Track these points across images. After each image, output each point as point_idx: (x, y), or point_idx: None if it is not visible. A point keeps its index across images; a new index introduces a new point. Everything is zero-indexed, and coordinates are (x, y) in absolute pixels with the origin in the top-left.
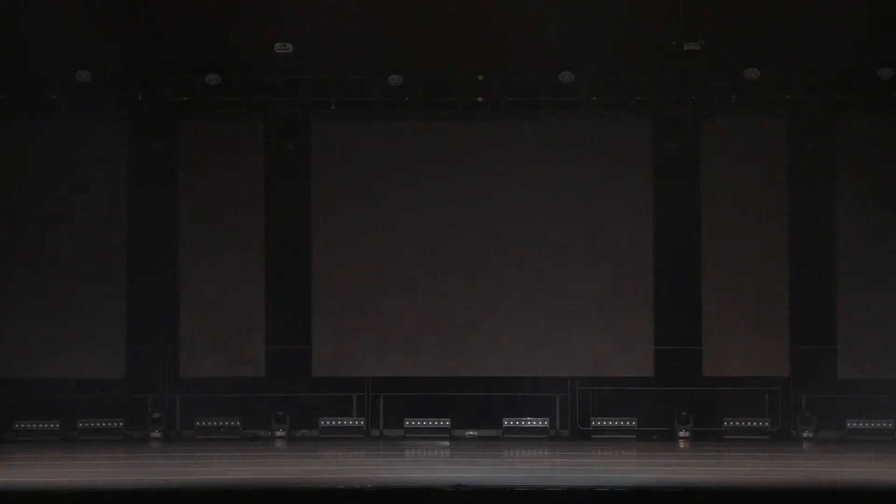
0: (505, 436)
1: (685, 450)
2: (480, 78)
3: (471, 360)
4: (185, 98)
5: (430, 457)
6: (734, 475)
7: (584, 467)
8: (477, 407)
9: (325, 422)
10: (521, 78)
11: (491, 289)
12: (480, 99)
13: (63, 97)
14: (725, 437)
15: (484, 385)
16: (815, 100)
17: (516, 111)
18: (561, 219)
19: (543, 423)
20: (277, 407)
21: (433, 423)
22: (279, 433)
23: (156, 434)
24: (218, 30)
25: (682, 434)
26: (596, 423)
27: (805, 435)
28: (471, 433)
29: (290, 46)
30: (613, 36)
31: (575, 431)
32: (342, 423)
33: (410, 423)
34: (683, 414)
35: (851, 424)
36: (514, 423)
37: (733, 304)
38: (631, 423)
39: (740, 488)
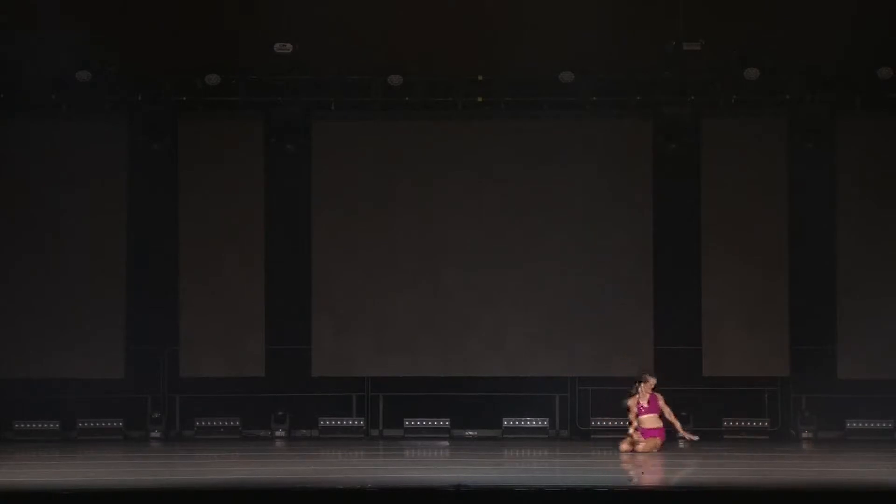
0: (505, 436)
1: (685, 450)
2: (480, 78)
3: (471, 360)
4: (185, 98)
5: (430, 457)
6: (734, 475)
7: (584, 467)
8: (477, 407)
9: (324, 422)
10: (521, 78)
11: (491, 289)
12: (480, 99)
13: (63, 97)
14: (725, 437)
15: (484, 385)
16: (815, 100)
17: (516, 111)
18: (561, 218)
19: (543, 423)
20: (277, 407)
21: (433, 423)
22: (279, 433)
23: (156, 434)
24: (218, 30)
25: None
26: (596, 423)
27: (805, 435)
28: (471, 433)
29: (290, 46)
30: (613, 36)
31: (575, 431)
32: (342, 423)
33: (410, 423)
34: (683, 414)
35: (851, 424)
36: (514, 423)
37: (733, 304)
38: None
39: (740, 488)
